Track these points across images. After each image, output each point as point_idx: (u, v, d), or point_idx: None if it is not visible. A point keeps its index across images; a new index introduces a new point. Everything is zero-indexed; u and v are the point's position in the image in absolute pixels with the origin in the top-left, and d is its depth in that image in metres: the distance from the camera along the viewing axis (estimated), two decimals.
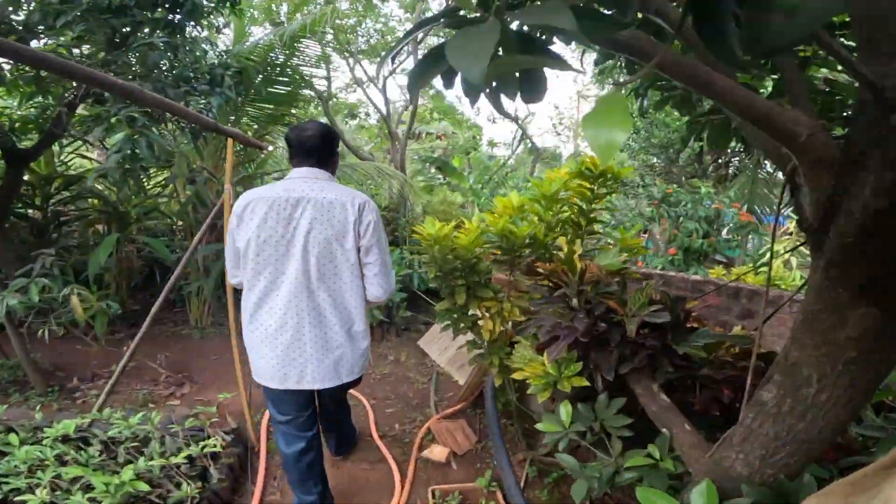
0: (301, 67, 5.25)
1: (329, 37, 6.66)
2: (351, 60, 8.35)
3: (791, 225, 7.63)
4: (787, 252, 6.84)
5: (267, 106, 5.44)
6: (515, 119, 9.74)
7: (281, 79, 5.16)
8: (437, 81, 0.69)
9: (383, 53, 8.89)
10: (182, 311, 4.95)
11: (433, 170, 8.50)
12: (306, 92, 6.24)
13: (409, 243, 6.05)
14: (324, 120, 9.92)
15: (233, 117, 5.02)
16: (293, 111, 5.72)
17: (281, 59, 5.05)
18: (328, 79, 8.12)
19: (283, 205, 1.64)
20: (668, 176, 9.38)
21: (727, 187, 8.99)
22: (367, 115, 9.85)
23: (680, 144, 9.33)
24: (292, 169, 1.76)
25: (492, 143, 9.70)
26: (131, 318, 4.46)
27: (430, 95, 9.35)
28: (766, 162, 9.72)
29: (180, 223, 4.91)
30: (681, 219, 7.66)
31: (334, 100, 9.30)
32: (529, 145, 10.21)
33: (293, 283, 1.66)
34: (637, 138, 8.84)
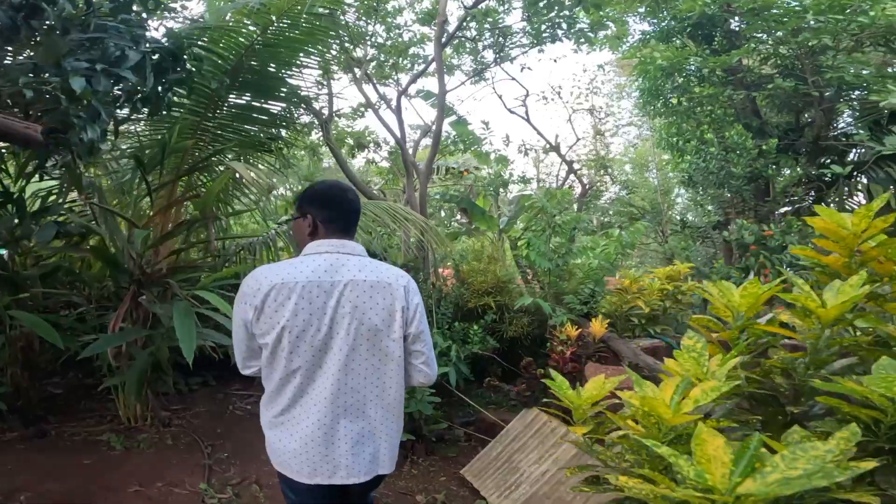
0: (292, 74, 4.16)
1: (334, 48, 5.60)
2: (357, 73, 7.27)
3: None
4: None
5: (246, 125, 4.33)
6: (557, 148, 8.55)
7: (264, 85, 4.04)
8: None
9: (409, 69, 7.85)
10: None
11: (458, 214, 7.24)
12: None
13: (437, 313, 4.67)
14: (324, 149, 8.84)
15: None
16: (283, 133, 4.60)
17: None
18: (329, 95, 7.01)
19: (316, 291, 1.53)
20: (748, 213, 7.99)
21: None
22: (378, 144, 8.69)
23: (772, 171, 7.88)
24: (320, 239, 1.63)
25: (524, 180, 8.44)
26: (38, 411, 3.21)
27: (451, 122, 8.22)
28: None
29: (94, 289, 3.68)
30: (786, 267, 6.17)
31: (336, 127, 8.24)
32: (573, 181, 9.03)
33: (333, 382, 1.56)
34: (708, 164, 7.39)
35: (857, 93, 7.09)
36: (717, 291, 1.72)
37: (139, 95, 2.68)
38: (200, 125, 4.30)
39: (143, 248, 3.36)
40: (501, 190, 7.85)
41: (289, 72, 4.63)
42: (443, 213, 9.88)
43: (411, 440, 3.63)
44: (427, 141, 8.07)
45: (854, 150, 7.94)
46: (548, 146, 9.26)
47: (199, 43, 3.68)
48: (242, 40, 4.03)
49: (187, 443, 3.65)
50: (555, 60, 8.93)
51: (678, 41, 7.38)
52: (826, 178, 7.94)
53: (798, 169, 7.33)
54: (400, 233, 5.32)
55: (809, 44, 6.29)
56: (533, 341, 5.32)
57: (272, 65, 4.49)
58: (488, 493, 3.08)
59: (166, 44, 2.80)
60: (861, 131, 7.58)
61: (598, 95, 11.13)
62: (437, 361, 4.23)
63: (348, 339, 1.54)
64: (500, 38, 7.36)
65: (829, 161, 7.99)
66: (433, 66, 7.12)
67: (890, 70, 6.89)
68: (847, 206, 9.47)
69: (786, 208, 8.17)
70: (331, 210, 1.62)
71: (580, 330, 4.05)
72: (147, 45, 2.59)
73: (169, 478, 2.99)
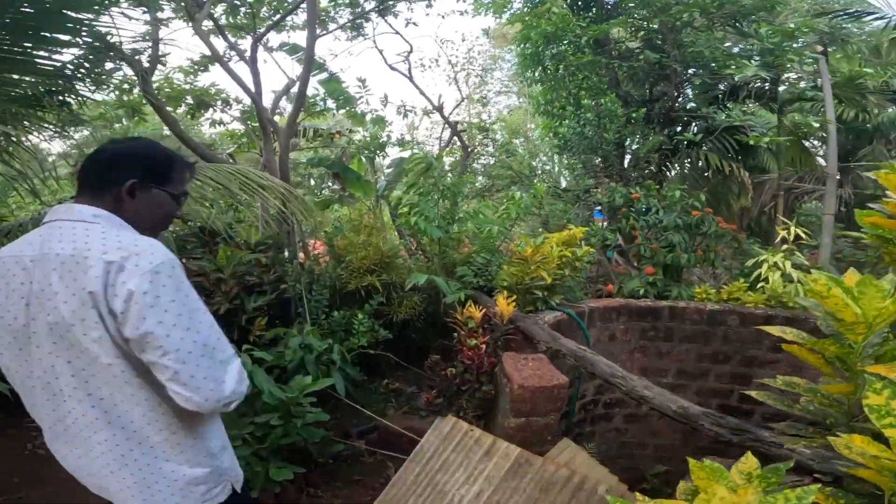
0: None
1: None
2: (201, 20, 5.62)
3: (783, 232, 6.76)
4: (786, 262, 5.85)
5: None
6: (440, 108, 7.80)
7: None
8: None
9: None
10: None
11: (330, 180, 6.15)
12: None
13: (310, 300, 3.70)
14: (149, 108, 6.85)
15: None
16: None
17: None
18: (154, 41, 5.31)
19: (14, 269, 1.19)
20: (615, 177, 8.18)
21: (667, 189, 7.82)
22: (227, 103, 7.02)
23: (638, 138, 8.16)
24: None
25: (403, 143, 7.57)
26: None
27: (321, 80, 6.93)
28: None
29: None
30: (652, 229, 6.29)
31: (170, 84, 6.46)
32: (457, 145, 8.40)
33: (41, 392, 1.23)
34: (584, 132, 7.40)
35: (700, 71, 7.55)
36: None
37: None
38: None
39: None
40: (379, 153, 6.90)
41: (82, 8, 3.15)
42: (312, 181, 8.62)
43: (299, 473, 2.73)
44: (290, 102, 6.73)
45: (694, 123, 8.63)
46: (430, 107, 8.51)
47: None
48: None
49: None
50: (442, 16, 8.10)
51: (558, 10, 7.32)
52: (670, 147, 8.57)
53: (658, 137, 7.71)
54: (258, 204, 4.15)
55: (676, 20, 6.46)
56: (426, 321, 4.63)
57: None
58: None
59: None
60: (702, 105, 8.27)
61: (475, 65, 10.71)
62: (315, 367, 3.36)
63: (39, 335, 1.18)
64: None
65: (678, 130, 8.59)
66: (301, 16, 5.81)
67: (736, 49, 7.38)
68: (687, 172, 10.42)
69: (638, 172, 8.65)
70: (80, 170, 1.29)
71: (483, 310, 3.42)
72: None
73: None
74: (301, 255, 4.56)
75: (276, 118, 6.58)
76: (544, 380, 2.58)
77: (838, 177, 7.66)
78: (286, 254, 4.21)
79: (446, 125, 8.80)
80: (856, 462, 0.98)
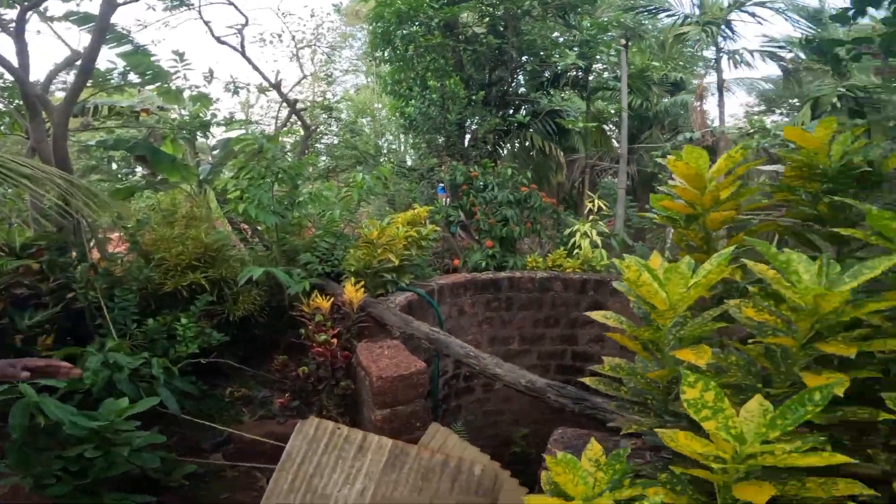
0: None
1: None
2: None
3: (589, 204, 7.65)
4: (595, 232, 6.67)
5: None
6: (277, 85, 6.94)
7: None
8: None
9: None
10: None
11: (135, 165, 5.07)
12: None
13: (114, 309, 2.99)
14: None
15: None
16: None
17: None
18: None
19: None
20: (457, 157, 8.41)
21: (501, 167, 8.41)
22: None
23: (477, 119, 8.41)
24: None
25: (231, 122, 6.61)
26: None
27: (122, 52, 5.57)
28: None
29: None
30: (489, 205, 6.65)
31: None
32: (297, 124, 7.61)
33: None
34: (430, 112, 7.44)
35: (531, 58, 8.10)
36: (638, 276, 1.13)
37: None
38: None
39: None
40: (202, 134, 5.91)
41: None
42: (114, 165, 7.07)
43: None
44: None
45: (524, 106, 9.31)
46: (266, 84, 7.56)
47: None
48: None
49: None
50: None
51: None
52: (504, 129, 9.14)
53: (495, 118, 8.12)
54: (26, 197, 3.17)
55: (518, 7, 6.77)
56: (272, 315, 4.14)
57: None
58: None
59: None
60: (531, 90, 8.94)
61: (323, 41, 9.83)
62: (131, 387, 2.73)
63: None
64: None
65: (511, 113, 9.18)
66: None
67: (561, 39, 8.00)
68: (516, 152, 11.28)
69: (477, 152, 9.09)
70: None
71: (331, 299, 3.14)
72: None
73: None
74: (95, 254, 3.65)
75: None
76: (402, 368, 2.46)
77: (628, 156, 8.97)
78: (73, 255, 3.30)
79: (284, 103, 7.98)
80: (682, 454, 0.99)
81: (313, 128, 8.42)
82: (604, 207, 7.43)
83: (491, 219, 6.44)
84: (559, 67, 7.77)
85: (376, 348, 2.70)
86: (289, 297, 3.69)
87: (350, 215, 4.12)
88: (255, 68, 7.31)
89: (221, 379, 3.88)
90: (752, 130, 8.96)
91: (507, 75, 8.36)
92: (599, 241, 6.56)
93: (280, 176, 4.10)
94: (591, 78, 8.69)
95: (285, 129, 7.95)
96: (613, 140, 11.30)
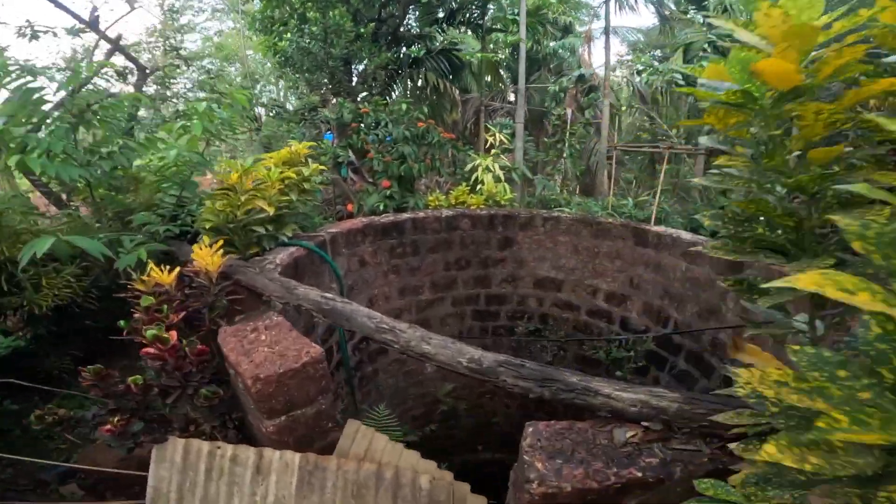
0: None
1: None
2: None
3: (490, 138, 7.00)
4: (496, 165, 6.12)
5: None
6: (93, 24, 5.00)
7: None
8: None
9: None
10: None
11: None
12: None
13: None
14: None
15: None
16: None
17: None
18: None
19: None
20: (343, 94, 7.18)
21: (394, 103, 7.45)
22: None
23: (365, 55, 7.22)
24: None
25: (25, 70, 4.65)
26: None
27: None
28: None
29: None
30: (383, 143, 5.72)
31: None
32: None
33: None
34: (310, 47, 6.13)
35: None
36: None
37: None
38: None
39: None
40: None
41: None
42: None
43: None
44: None
45: (417, 43, 8.29)
46: (78, 25, 5.50)
47: None
48: None
49: None
50: None
51: None
52: (396, 67, 8.07)
53: (385, 54, 7.08)
54: None
55: None
56: (101, 298, 2.95)
57: None
58: None
59: None
60: (424, 26, 7.92)
61: None
62: None
63: None
64: None
65: (404, 50, 8.09)
66: None
67: None
68: (410, 91, 10.25)
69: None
70: None
71: (178, 269, 2.12)
72: None
73: None
74: None
75: None
76: (289, 359, 1.62)
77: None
78: None
79: (104, 41, 5.97)
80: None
81: (153, 69, 6.54)
82: (506, 141, 6.90)
83: (386, 157, 5.53)
84: (455, 3, 6.85)
85: (249, 332, 1.81)
86: (122, 274, 2.55)
87: (201, 159, 2.95)
88: (58, 5, 5.28)
89: (41, 395, 2.69)
90: (640, 68, 8.94)
91: (399, 11, 7.23)
92: (502, 175, 6.06)
93: (89, 117, 2.77)
94: (487, 17, 7.94)
95: (95, 63, 6.03)
96: (506, 79, 10.82)
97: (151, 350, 1.62)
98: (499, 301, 4.24)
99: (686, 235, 3.45)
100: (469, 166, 6.15)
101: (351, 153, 6.76)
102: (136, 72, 6.46)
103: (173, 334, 1.66)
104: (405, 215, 3.89)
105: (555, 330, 4.15)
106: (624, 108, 10.57)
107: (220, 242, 2.24)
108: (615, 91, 11.20)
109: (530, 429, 1.19)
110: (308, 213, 5.16)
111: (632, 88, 10.93)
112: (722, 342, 3.08)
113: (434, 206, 4.84)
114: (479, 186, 5.70)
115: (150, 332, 1.62)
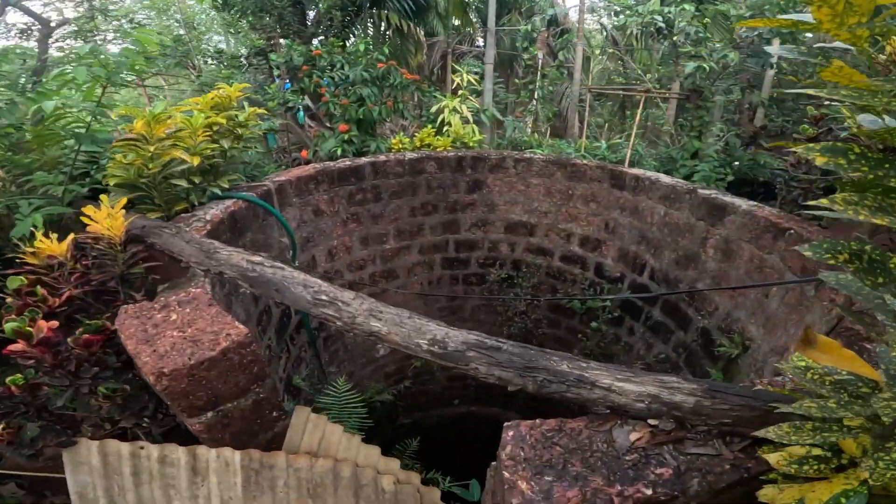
0: None
1: None
2: None
3: (458, 79, 6.38)
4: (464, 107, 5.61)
5: None
6: None
7: None
8: None
9: None
10: None
11: None
12: None
13: None
14: None
15: None
16: None
17: None
18: None
19: None
20: (293, 37, 6.35)
21: (351, 45, 6.68)
22: None
23: None
24: None
25: None
26: None
27: None
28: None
29: None
30: (340, 86, 5.11)
31: None
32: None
33: None
34: None
35: None
36: None
37: None
38: None
39: None
40: None
41: None
42: None
43: None
44: None
45: None
46: None
47: None
48: None
49: None
50: None
51: None
52: (354, 8, 7.13)
53: None
54: None
55: None
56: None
57: None
58: None
59: None
60: None
61: None
62: None
63: None
64: None
65: None
66: None
67: None
68: (370, 33, 9.29)
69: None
70: None
71: (72, 236, 1.67)
72: None
73: None
74: None
75: None
76: (203, 346, 1.25)
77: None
78: None
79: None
80: None
81: (60, 23, 5.52)
82: (474, 81, 6.32)
83: (343, 99, 4.94)
84: None
85: (156, 312, 1.42)
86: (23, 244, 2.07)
87: (96, 108, 2.37)
88: None
89: None
90: (617, 9, 8.20)
91: None
92: (470, 117, 5.57)
93: None
94: None
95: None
96: (475, 22, 9.95)
97: (18, 347, 1.22)
98: (469, 247, 3.93)
99: (666, 178, 3.16)
100: (435, 108, 5.62)
101: (308, 99, 6.07)
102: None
103: (43, 324, 1.26)
104: (364, 159, 3.44)
105: (527, 277, 3.90)
106: (597, 53, 9.97)
107: (123, 201, 1.78)
108: (587, 37, 10.53)
109: (510, 433, 0.89)
110: (258, 162, 4.60)
111: (604, 34, 10.33)
112: (701, 294, 2.88)
113: (397, 149, 4.38)
114: (445, 128, 5.22)
115: (9, 324, 1.20)
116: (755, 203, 2.64)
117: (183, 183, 2.14)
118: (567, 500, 0.74)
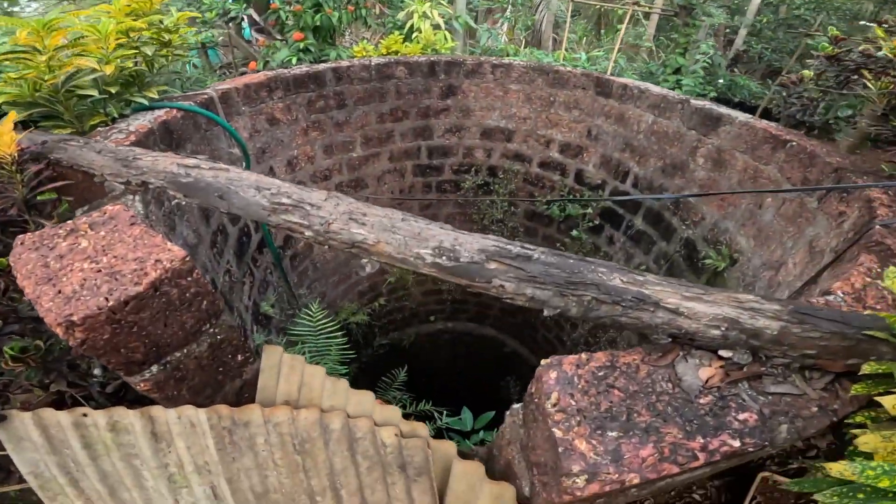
0: None
1: None
2: None
3: None
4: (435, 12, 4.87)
5: None
6: None
7: None
8: None
9: None
10: None
11: None
12: None
13: None
14: None
15: None
16: None
17: None
18: None
19: None
20: None
21: None
22: None
23: None
24: None
25: None
26: None
27: None
28: None
29: None
30: None
31: None
32: None
33: None
34: None
35: None
36: None
37: None
38: None
39: None
40: None
41: None
42: None
43: None
44: None
45: None
46: None
47: None
48: None
49: None
50: None
51: None
52: None
53: None
54: None
55: None
56: None
57: None
58: None
59: None
60: None
61: None
62: None
63: None
64: None
65: None
66: None
67: None
68: None
69: None
70: None
71: None
72: None
73: None
74: None
75: None
76: (125, 279, 0.92)
77: None
78: None
79: None
80: None
81: None
82: None
83: (296, 5, 4.16)
84: None
85: (62, 239, 1.06)
86: None
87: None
88: None
89: None
90: None
91: None
92: (442, 23, 4.89)
93: None
94: None
95: None
96: None
97: None
98: (443, 153, 3.57)
99: (656, 88, 2.85)
100: (403, 13, 4.88)
101: (253, 11, 5.14)
102: None
103: None
104: (324, 65, 2.90)
105: (504, 183, 3.63)
106: None
107: (12, 115, 1.32)
108: None
109: (552, 374, 0.64)
110: (199, 77, 3.91)
111: None
112: (687, 202, 2.69)
113: (361, 56, 3.80)
114: (415, 35, 4.57)
115: None
116: (751, 116, 2.43)
117: (94, 93, 1.64)
118: (641, 459, 0.54)
